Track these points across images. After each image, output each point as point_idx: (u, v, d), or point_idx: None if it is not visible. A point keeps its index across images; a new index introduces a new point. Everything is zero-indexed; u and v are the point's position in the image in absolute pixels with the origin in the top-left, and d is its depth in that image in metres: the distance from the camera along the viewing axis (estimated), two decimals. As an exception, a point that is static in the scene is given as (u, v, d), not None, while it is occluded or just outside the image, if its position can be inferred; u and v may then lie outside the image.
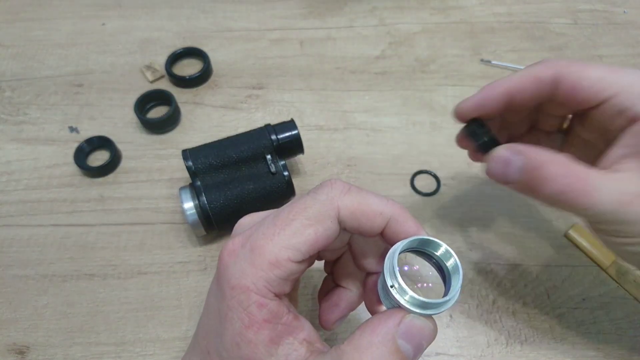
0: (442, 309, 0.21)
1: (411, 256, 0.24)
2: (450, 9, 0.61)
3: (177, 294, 0.40)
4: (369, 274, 0.28)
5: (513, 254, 0.41)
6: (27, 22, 0.61)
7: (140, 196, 0.46)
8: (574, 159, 0.26)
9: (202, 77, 0.54)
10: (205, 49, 0.56)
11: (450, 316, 0.38)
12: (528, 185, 0.26)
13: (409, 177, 0.46)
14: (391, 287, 0.21)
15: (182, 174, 0.47)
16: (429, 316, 0.22)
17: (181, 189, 0.40)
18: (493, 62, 0.55)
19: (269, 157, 0.41)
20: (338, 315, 0.28)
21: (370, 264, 0.27)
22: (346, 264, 0.28)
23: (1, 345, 0.37)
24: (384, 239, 0.25)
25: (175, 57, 0.56)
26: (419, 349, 0.22)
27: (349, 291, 0.28)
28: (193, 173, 0.40)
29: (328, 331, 0.27)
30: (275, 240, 0.23)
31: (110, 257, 0.42)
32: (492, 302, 0.39)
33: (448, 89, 0.53)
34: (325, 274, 0.31)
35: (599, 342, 0.37)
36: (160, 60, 0.56)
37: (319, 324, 0.28)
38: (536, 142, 0.34)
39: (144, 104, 0.51)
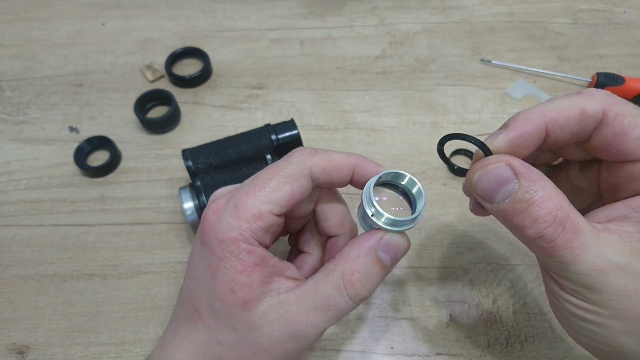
0: (413, 225, 0.26)
1: (380, 189, 0.27)
2: (451, 9, 0.61)
3: (177, 294, 0.39)
4: (329, 238, 0.31)
5: (513, 253, 0.41)
6: (27, 22, 0.61)
7: (140, 196, 0.46)
8: (567, 200, 0.23)
9: (202, 77, 0.54)
10: (205, 48, 0.56)
11: (451, 316, 0.38)
12: (508, 217, 0.23)
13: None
14: (371, 215, 0.25)
15: (182, 174, 0.47)
16: (403, 232, 0.26)
17: (181, 189, 0.40)
18: (493, 61, 0.55)
19: (269, 157, 0.41)
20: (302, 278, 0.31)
21: (331, 227, 0.30)
22: (307, 233, 0.32)
23: (1, 345, 0.37)
24: (354, 186, 0.29)
25: (175, 57, 0.56)
26: (395, 259, 0.26)
27: (311, 255, 0.32)
28: (193, 173, 0.40)
29: None
30: (256, 196, 0.26)
31: (110, 257, 0.42)
32: (492, 302, 0.39)
33: (448, 88, 0.53)
34: (290, 247, 0.35)
35: (599, 342, 0.37)
36: (160, 60, 0.56)
37: None
38: None
39: (143, 103, 0.51)
